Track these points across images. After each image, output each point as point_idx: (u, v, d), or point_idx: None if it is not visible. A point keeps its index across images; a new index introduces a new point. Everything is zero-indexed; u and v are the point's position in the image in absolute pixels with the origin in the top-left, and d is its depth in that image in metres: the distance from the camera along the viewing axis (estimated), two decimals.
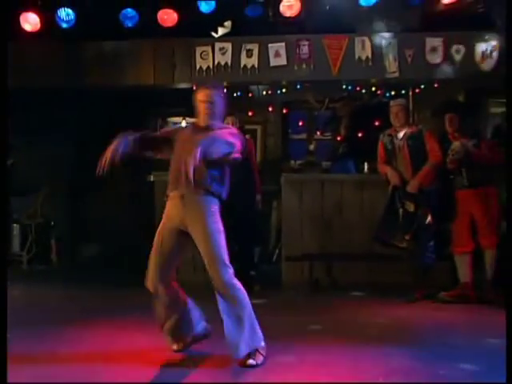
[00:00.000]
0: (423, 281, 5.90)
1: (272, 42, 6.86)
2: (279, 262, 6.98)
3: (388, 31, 6.76)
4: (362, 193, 6.72)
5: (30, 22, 6.56)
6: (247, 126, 8.11)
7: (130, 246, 7.70)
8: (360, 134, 8.72)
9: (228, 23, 7.48)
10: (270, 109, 9.47)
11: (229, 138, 3.80)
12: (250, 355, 3.73)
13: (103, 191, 8.53)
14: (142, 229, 7.23)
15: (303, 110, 9.67)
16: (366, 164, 7.58)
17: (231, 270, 3.78)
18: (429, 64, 6.61)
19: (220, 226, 3.82)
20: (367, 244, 6.40)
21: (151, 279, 3.86)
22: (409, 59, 6.63)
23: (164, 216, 3.93)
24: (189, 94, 8.02)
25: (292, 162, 9.10)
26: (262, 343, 3.82)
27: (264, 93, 8.59)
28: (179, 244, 3.90)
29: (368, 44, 6.69)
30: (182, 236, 3.86)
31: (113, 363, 3.89)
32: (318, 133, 9.61)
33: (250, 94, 8.88)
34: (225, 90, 4.21)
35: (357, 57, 6.72)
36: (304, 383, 3.52)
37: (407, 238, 5.82)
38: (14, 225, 8.25)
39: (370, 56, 6.70)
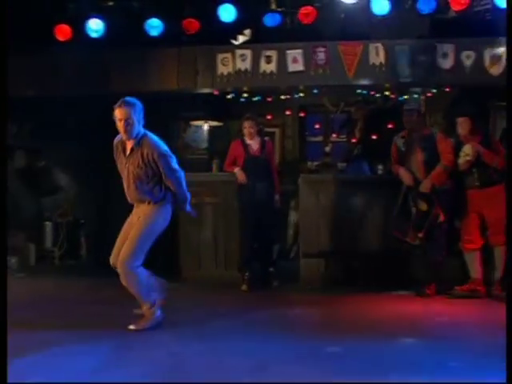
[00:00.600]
0: (435, 276, 5.91)
1: (290, 49, 6.88)
2: (297, 259, 7.01)
3: (401, 38, 6.76)
4: (376, 192, 6.72)
5: (63, 32, 6.64)
6: (266, 129, 8.16)
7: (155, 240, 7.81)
8: (374, 137, 8.73)
9: (248, 31, 7.52)
10: (288, 112, 9.51)
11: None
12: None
13: None
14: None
15: (319, 113, 9.70)
16: (380, 165, 7.58)
17: (136, 261, 4.42)
18: (440, 69, 6.59)
19: (153, 230, 4.49)
20: (381, 241, 6.42)
21: (114, 256, 4.53)
22: (421, 65, 6.61)
23: (129, 217, 4.60)
24: (210, 99, 8.20)
25: (309, 163, 9.14)
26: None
27: (282, 97, 8.62)
28: None
29: (382, 50, 6.69)
30: None
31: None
32: (334, 135, 9.64)
33: (270, 99, 8.92)
34: (139, 103, 4.48)
35: (371, 62, 6.72)
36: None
37: (420, 235, 5.84)
38: (47, 222, 8.37)
39: (383, 62, 6.70)
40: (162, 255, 7.02)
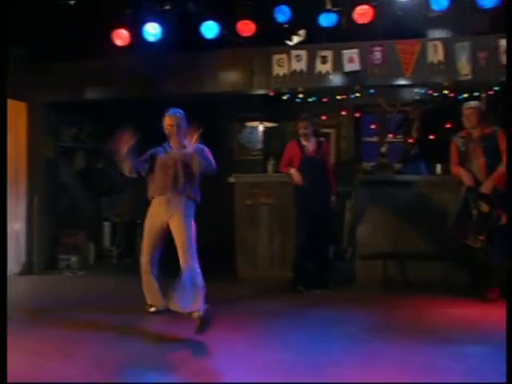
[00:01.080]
0: (498, 280, 5.72)
1: (345, 49, 6.77)
2: (353, 260, 6.93)
3: (460, 34, 6.57)
4: (434, 193, 6.59)
5: (121, 37, 6.75)
6: (321, 130, 8.08)
7: (212, 241, 7.91)
8: (432, 137, 8.53)
9: (303, 32, 7.46)
10: (344, 112, 9.41)
11: (208, 154, 4.84)
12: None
13: None
14: (222, 226, 7.36)
15: (375, 113, 9.55)
16: (438, 165, 7.41)
17: (194, 253, 4.66)
18: (503, 66, 6.36)
19: (192, 223, 4.78)
20: (440, 244, 6.28)
21: (144, 257, 4.97)
22: (482, 61, 6.40)
23: (150, 213, 4.93)
24: (266, 100, 8.20)
25: (364, 163, 9.00)
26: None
27: (338, 97, 8.52)
28: (162, 233, 4.86)
29: (440, 48, 6.50)
30: (164, 228, 4.83)
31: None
32: (390, 135, 9.46)
33: (325, 99, 8.84)
34: (185, 115, 5.07)
35: (429, 61, 6.56)
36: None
37: (481, 238, 5.68)
38: (105, 223, 8.55)
39: (442, 59, 6.52)
40: (219, 256, 7.09)
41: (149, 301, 5.08)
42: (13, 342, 3.62)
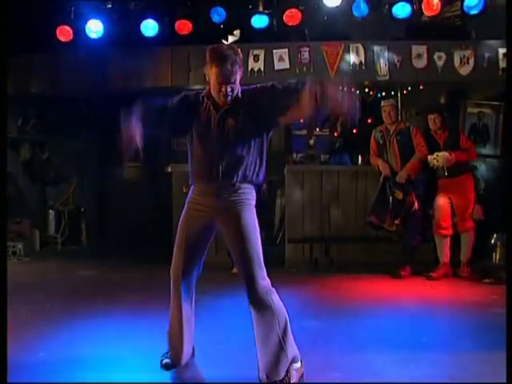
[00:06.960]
0: (410, 260, 6.02)
1: (276, 48, 6.92)
2: (282, 244, 7.08)
3: (379, 39, 6.83)
4: (357, 182, 6.80)
5: (64, 33, 6.64)
6: None
7: (148, 230, 7.97)
8: (354, 131, 8.78)
9: (237, 32, 7.54)
10: None
11: None
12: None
13: (126, 181, 8.75)
14: (159, 216, 7.41)
15: None
16: (360, 157, 7.67)
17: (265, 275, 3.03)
18: (415, 69, 6.68)
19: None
20: (361, 227, 6.52)
21: (177, 268, 3.14)
22: (397, 64, 6.69)
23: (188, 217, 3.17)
24: None
25: (294, 154, 9.14)
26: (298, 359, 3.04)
27: None
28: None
29: (361, 50, 6.76)
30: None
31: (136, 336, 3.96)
32: (317, 129, 9.66)
33: None
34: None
35: (352, 61, 6.79)
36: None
37: (396, 222, 5.94)
38: (50, 211, 8.39)
39: (363, 61, 6.77)
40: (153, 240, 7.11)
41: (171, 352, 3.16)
42: None
